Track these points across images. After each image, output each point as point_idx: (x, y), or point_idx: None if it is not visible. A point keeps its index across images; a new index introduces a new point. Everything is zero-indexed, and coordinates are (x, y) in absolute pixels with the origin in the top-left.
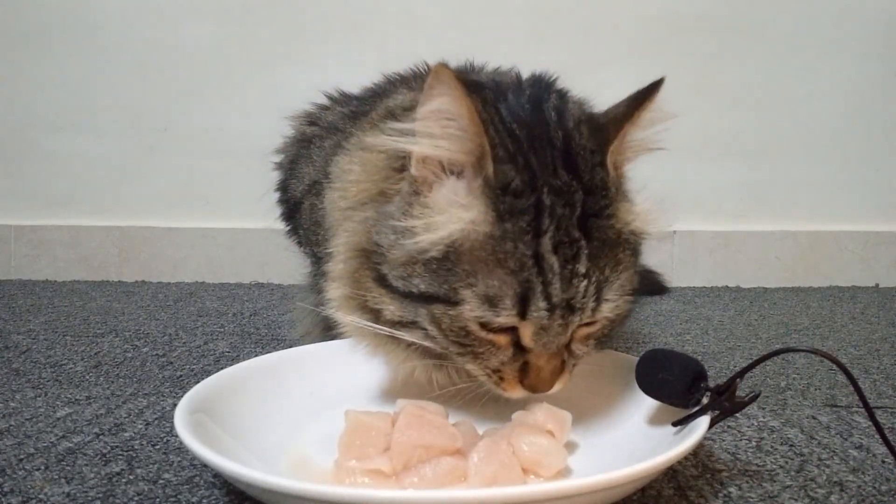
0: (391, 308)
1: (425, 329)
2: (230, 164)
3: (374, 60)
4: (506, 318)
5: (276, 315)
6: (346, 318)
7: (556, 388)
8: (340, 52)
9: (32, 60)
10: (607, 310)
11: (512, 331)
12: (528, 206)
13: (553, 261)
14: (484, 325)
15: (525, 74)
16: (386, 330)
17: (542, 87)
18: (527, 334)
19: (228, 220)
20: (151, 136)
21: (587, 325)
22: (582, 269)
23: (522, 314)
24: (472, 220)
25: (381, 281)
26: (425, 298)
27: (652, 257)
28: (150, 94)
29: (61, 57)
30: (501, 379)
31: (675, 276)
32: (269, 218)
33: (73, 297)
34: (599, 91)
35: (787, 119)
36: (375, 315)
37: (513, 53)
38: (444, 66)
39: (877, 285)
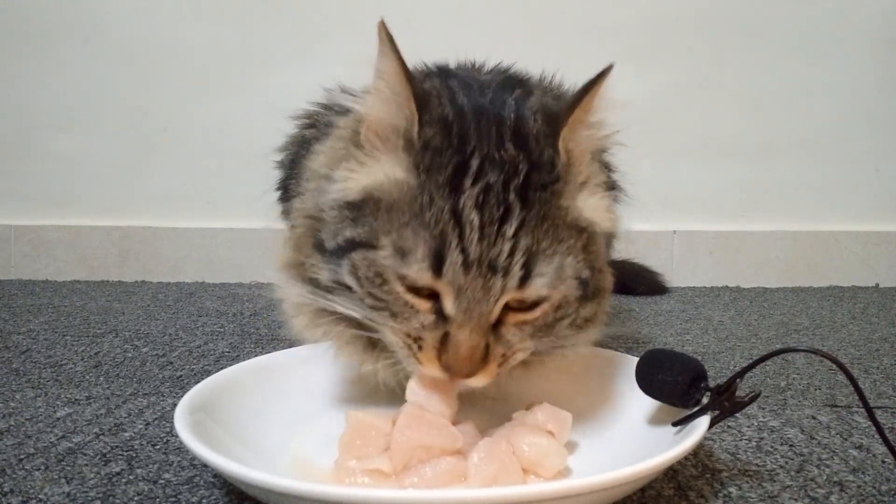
0: (324, 273)
1: (345, 283)
2: (230, 164)
3: (375, 60)
4: (418, 271)
5: (276, 315)
6: (288, 288)
7: (481, 380)
8: (341, 52)
9: (33, 60)
10: (540, 283)
11: (435, 298)
12: (449, 164)
13: (473, 216)
14: (404, 281)
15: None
16: (320, 300)
17: (509, 82)
18: (448, 299)
19: (228, 220)
20: (151, 136)
21: (521, 309)
22: (510, 230)
23: (437, 270)
24: (389, 171)
25: (319, 247)
26: (349, 245)
27: (652, 257)
28: (150, 94)
29: (62, 57)
30: (420, 348)
31: (675, 276)
32: (269, 218)
33: (73, 297)
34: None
35: (787, 119)
36: (313, 284)
37: (513, 53)
38: (382, 24)
39: (877, 285)
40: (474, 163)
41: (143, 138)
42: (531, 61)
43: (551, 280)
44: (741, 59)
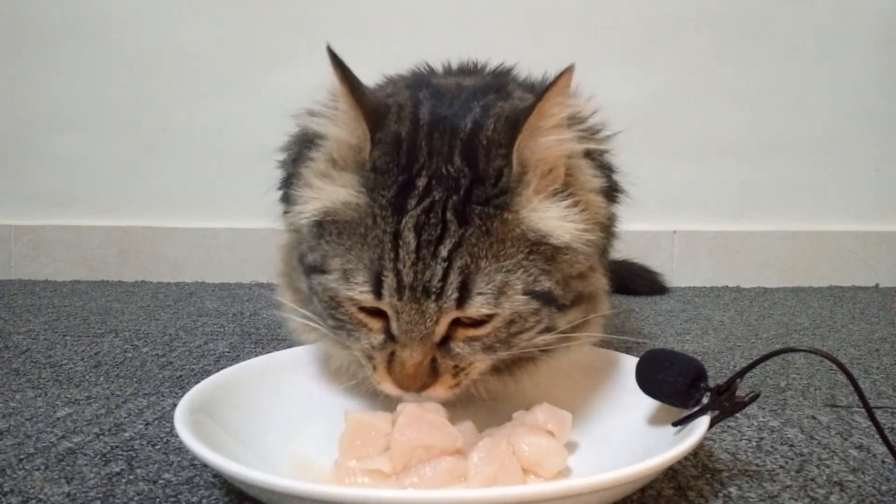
0: (304, 285)
1: (314, 301)
2: (230, 164)
3: (376, 61)
4: (359, 293)
5: (276, 315)
6: (283, 299)
7: (438, 392)
8: (341, 52)
9: (33, 60)
10: (481, 303)
11: (384, 317)
12: (393, 185)
13: (410, 239)
14: (353, 303)
15: (523, 74)
16: (300, 311)
17: (492, 86)
18: (392, 319)
19: (228, 220)
20: (151, 136)
21: (471, 325)
22: (444, 251)
23: (378, 293)
24: (339, 194)
25: (301, 260)
26: (311, 269)
27: (652, 257)
28: (150, 94)
29: (61, 57)
30: (374, 368)
31: (675, 276)
32: (269, 218)
33: (73, 297)
34: (600, 91)
35: (787, 119)
36: (298, 294)
37: (513, 53)
38: (329, 49)
39: (877, 285)
40: (420, 182)
41: (142, 138)
42: (531, 61)
43: (493, 298)
44: (741, 59)
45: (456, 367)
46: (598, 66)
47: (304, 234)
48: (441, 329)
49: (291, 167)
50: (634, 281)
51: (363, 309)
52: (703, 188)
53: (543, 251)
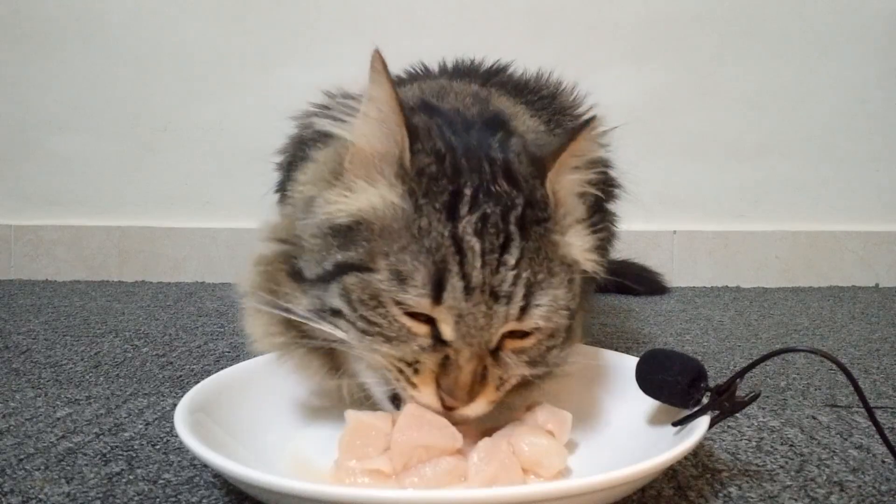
0: (303, 302)
1: (333, 308)
2: (230, 164)
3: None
4: (416, 297)
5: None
6: (255, 311)
7: (479, 407)
8: (341, 52)
9: (33, 60)
10: (538, 315)
11: (431, 323)
12: (444, 191)
13: (474, 243)
14: (401, 306)
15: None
16: (296, 318)
17: (493, 124)
18: (447, 324)
19: (228, 220)
20: (151, 136)
21: (518, 336)
22: (511, 259)
23: (437, 297)
24: (383, 197)
25: (295, 276)
26: (339, 269)
27: (652, 257)
28: (150, 94)
29: (62, 57)
30: (416, 372)
31: (675, 276)
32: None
33: (73, 297)
34: (600, 91)
35: (787, 119)
36: (285, 313)
37: (513, 53)
38: (378, 53)
39: (877, 285)
40: (468, 192)
41: (142, 138)
42: (531, 61)
43: (548, 311)
44: (741, 59)
45: (500, 378)
46: (598, 66)
47: (311, 244)
48: (497, 338)
49: (288, 170)
50: (634, 281)
51: (408, 313)
52: (703, 188)
53: (572, 275)
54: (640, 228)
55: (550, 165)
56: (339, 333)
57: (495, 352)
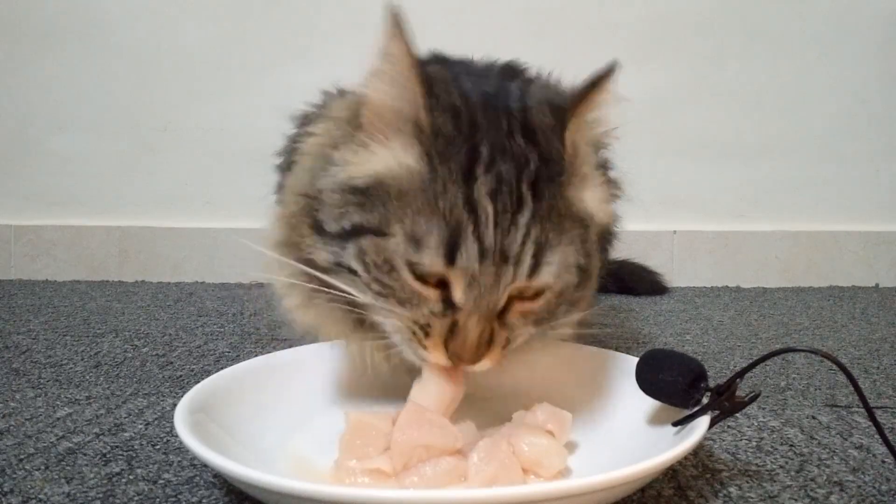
0: (322, 255)
1: (350, 267)
2: (230, 164)
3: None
4: (431, 259)
5: (276, 315)
6: (281, 267)
7: (485, 364)
8: (341, 51)
9: (33, 60)
10: (547, 273)
11: (443, 286)
12: (460, 152)
13: (487, 205)
14: (413, 270)
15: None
16: (316, 274)
17: (509, 72)
18: (458, 287)
19: (228, 220)
20: (151, 136)
21: (526, 298)
22: (523, 220)
23: (451, 258)
24: (400, 158)
25: (318, 228)
26: (356, 231)
27: (652, 257)
28: (150, 94)
29: (61, 57)
30: (427, 335)
31: (675, 276)
32: (268, 219)
33: (73, 297)
34: None
35: (787, 119)
36: (309, 265)
37: (513, 53)
38: (395, 11)
39: (877, 285)
40: (484, 150)
41: (142, 138)
42: (531, 61)
43: (557, 270)
44: (741, 59)
45: (506, 339)
46: (598, 66)
47: (331, 200)
48: (504, 299)
49: (287, 170)
50: (634, 281)
51: (420, 277)
52: (703, 188)
53: (586, 228)
54: (640, 228)
55: (571, 115)
56: (355, 292)
57: (502, 314)
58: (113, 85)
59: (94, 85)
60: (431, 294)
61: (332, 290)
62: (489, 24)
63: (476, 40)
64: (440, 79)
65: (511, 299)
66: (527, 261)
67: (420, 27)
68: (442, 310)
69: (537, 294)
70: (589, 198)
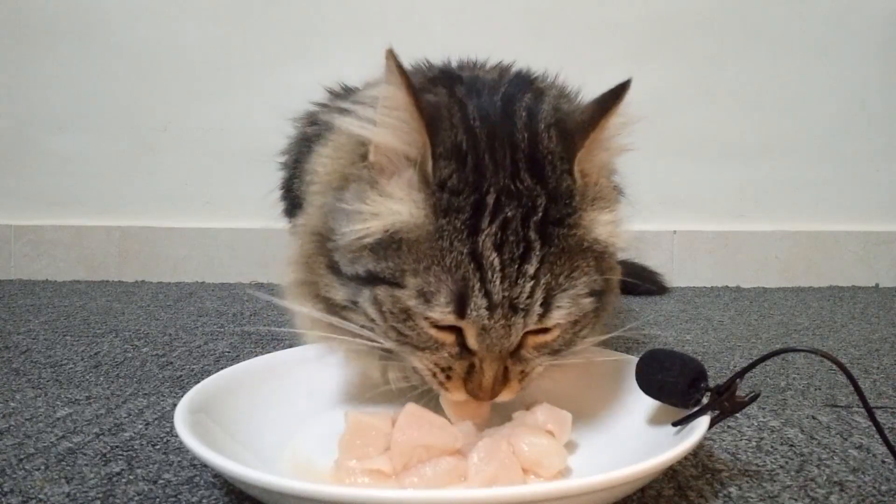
0: (340, 294)
1: (366, 313)
2: (230, 164)
3: (376, 60)
4: (441, 314)
5: (275, 315)
6: (298, 308)
7: (505, 397)
8: (341, 51)
9: (33, 60)
10: (559, 316)
11: (458, 331)
12: (466, 205)
13: (493, 258)
14: (429, 319)
15: (518, 69)
16: (334, 319)
17: (519, 85)
18: (471, 335)
19: (228, 220)
20: (151, 136)
21: (540, 332)
22: (530, 269)
23: (461, 313)
24: (409, 213)
25: (333, 268)
26: (371, 279)
27: (652, 257)
28: (150, 94)
29: (61, 57)
30: (448, 378)
31: (675, 276)
32: (269, 218)
33: (73, 297)
34: (599, 91)
35: (787, 119)
36: (326, 304)
37: (513, 53)
38: (391, 53)
39: (877, 285)
40: (490, 199)
41: (143, 138)
42: (531, 61)
43: (568, 310)
44: (741, 59)
45: (522, 371)
46: (598, 66)
47: (345, 240)
48: (516, 343)
49: (293, 168)
50: (634, 281)
51: (436, 326)
52: (703, 188)
53: (600, 254)
54: (640, 228)
55: (581, 144)
56: (375, 336)
57: (516, 351)
58: (113, 85)
59: (94, 85)
60: (448, 339)
61: (352, 327)
62: (489, 24)
63: (476, 40)
64: (445, 115)
65: (525, 335)
66: (536, 309)
67: (420, 27)
68: (459, 353)
69: (550, 328)
70: (601, 222)
